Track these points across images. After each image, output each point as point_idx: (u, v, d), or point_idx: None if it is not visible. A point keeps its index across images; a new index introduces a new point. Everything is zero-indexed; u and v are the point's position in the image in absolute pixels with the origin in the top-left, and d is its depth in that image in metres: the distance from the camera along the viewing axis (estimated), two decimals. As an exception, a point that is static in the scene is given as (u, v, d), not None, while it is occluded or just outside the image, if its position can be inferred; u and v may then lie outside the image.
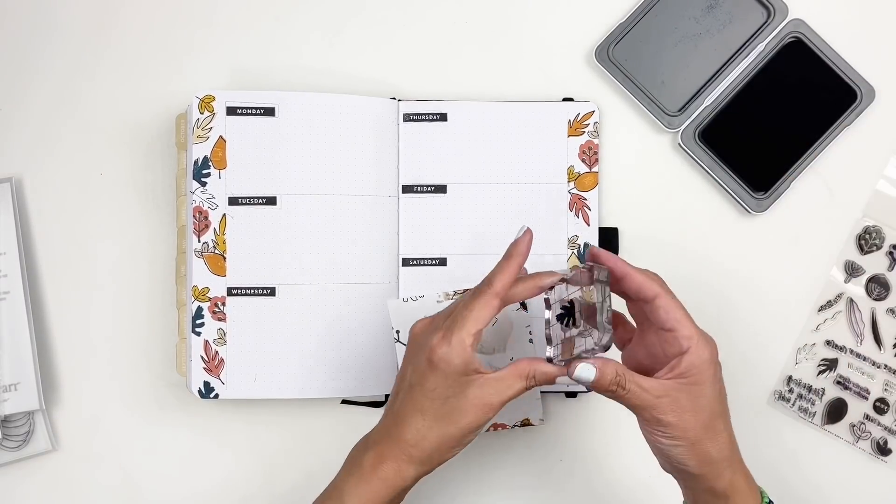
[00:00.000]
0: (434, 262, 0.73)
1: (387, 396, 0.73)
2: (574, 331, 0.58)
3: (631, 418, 0.59)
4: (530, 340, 0.71)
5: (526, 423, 0.72)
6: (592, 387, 0.57)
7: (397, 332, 0.72)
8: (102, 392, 0.74)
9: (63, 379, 0.74)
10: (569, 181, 0.74)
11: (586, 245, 0.73)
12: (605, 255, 0.60)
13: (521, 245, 0.60)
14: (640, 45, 0.75)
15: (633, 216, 0.75)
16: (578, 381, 0.57)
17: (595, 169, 0.74)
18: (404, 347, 0.70)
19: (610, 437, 0.74)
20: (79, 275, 0.74)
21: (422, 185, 0.74)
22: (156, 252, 0.75)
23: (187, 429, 0.74)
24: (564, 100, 0.74)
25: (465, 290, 0.70)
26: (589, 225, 0.73)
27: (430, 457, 0.59)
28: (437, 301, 0.72)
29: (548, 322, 0.58)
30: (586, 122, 0.74)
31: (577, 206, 0.74)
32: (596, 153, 0.74)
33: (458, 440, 0.59)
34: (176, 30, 0.76)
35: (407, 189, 0.74)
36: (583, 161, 0.74)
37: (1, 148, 0.75)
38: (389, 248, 0.73)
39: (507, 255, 0.60)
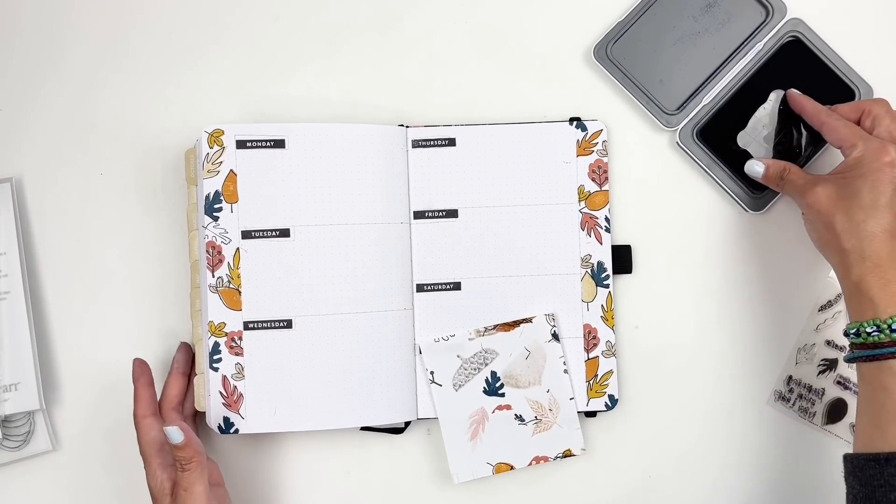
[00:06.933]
0: (448, 286, 0.73)
1: (407, 423, 0.73)
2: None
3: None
4: (565, 371, 0.72)
5: (567, 454, 0.72)
6: (763, 179, 0.71)
7: (431, 372, 0.72)
8: (103, 392, 0.74)
9: (63, 379, 0.74)
10: (579, 201, 0.73)
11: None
12: (797, 102, 0.72)
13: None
14: (639, 43, 0.75)
15: (631, 215, 0.75)
16: (750, 174, 0.71)
17: (605, 187, 0.74)
18: (439, 388, 0.72)
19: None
20: (79, 275, 0.75)
21: (433, 211, 0.73)
22: (156, 251, 0.75)
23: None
24: (572, 120, 0.74)
25: (495, 326, 0.72)
26: (601, 244, 0.73)
27: None
28: (469, 339, 0.73)
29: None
30: (595, 142, 0.74)
31: (589, 225, 0.73)
32: (606, 171, 0.74)
33: None
34: (183, 38, 0.76)
35: (418, 215, 0.73)
36: (593, 180, 0.74)
37: (1, 148, 0.75)
38: (403, 274, 0.73)
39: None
